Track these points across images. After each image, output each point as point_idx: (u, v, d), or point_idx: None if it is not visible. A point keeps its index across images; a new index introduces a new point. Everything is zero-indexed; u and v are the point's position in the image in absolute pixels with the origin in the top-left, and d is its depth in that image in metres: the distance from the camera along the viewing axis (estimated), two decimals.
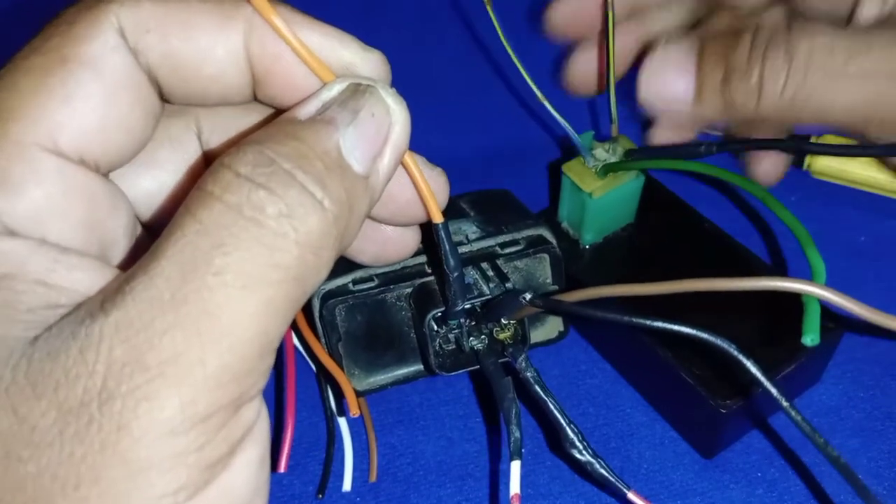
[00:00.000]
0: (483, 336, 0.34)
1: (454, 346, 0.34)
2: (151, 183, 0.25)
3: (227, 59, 0.22)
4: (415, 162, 0.26)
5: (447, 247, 0.28)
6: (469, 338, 0.34)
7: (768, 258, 0.44)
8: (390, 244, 0.29)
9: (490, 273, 0.35)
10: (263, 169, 0.20)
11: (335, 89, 0.22)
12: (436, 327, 0.33)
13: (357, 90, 0.22)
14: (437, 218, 0.27)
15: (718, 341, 0.25)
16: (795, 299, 0.36)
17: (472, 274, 0.35)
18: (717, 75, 0.33)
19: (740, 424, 0.37)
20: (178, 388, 0.18)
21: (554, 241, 0.36)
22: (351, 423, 0.38)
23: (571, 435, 0.31)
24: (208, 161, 0.26)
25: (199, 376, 0.18)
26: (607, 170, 0.39)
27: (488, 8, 0.36)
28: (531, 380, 0.32)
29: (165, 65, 0.22)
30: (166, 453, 0.18)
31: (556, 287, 0.37)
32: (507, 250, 0.36)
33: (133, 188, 0.25)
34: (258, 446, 0.21)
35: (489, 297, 0.33)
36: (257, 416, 0.20)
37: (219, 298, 0.18)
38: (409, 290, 0.35)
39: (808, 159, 0.47)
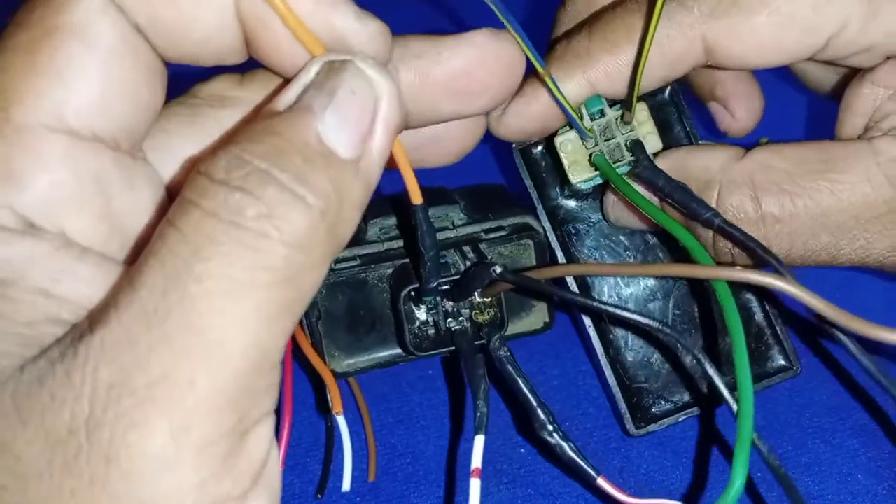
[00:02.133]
0: (462, 318, 0.34)
1: (432, 328, 0.35)
2: (194, 147, 0.23)
3: (215, 23, 0.21)
4: (399, 146, 0.23)
5: (424, 227, 0.28)
6: (447, 319, 0.34)
7: None
8: (451, 139, 0.27)
9: (471, 255, 0.35)
10: (238, 171, 0.18)
11: (312, 70, 0.21)
12: (412, 307, 0.34)
13: (332, 68, 0.20)
14: (417, 199, 0.27)
15: (668, 332, 0.25)
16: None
17: (453, 255, 0.35)
18: None
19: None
20: (168, 413, 0.17)
21: (540, 230, 0.36)
22: (350, 422, 0.38)
23: (542, 416, 0.30)
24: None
25: (190, 400, 0.17)
26: (599, 167, 0.34)
27: None
28: (504, 359, 0.31)
29: (152, 28, 0.21)
30: (160, 490, 0.17)
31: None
32: (491, 235, 0.36)
33: (174, 158, 0.23)
34: (271, 492, 0.19)
35: (460, 272, 0.33)
36: (268, 453, 0.19)
37: (202, 308, 0.17)
38: (389, 270, 0.35)
39: None
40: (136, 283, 0.17)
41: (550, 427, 0.30)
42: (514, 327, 0.36)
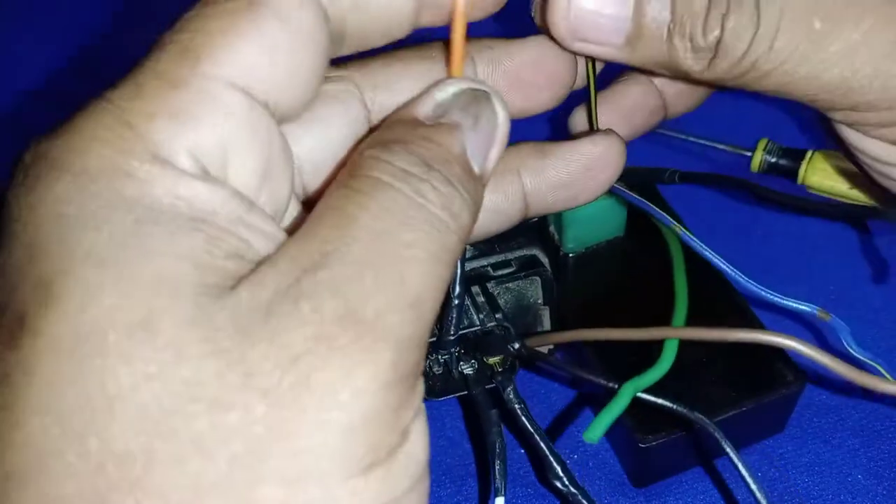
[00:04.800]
0: (473, 361, 0.34)
1: (443, 370, 0.34)
2: (317, 139, 0.25)
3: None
4: None
5: (458, 269, 0.28)
6: (459, 363, 0.34)
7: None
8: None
9: (480, 300, 0.35)
10: (421, 168, 0.21)
11: (450, 91, 0.24)
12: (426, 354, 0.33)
13: (476, 96, 0.24)
14: None
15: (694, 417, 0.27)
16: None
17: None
18: (664, 15, 0.26)
19: (669, 459, 0.37)
20: (388, 347, 0.19)
21: (546, 263, 0.36)
22: None
23: (555, 466, 0.31)
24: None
25: (401, 338, 0.19)
26: None
27: None
28: (518, 411, 0.32)
29: (351, 12, 0.23)
30: (374, 411, 0.18)
31: (546, 307, 0.37)
32: (499, 272, 0.36)
33: (298, 145, 0.25)
34: (425, 422, 0.21)
35: (479, 328, 0.33)
36: (421, 397, 0.21)
37: (410, 268, 0.19)
38: None
39: (801, 174, 0.47)
40: (347, 236, 0.20)
41: (563, 476, 0.31)
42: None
